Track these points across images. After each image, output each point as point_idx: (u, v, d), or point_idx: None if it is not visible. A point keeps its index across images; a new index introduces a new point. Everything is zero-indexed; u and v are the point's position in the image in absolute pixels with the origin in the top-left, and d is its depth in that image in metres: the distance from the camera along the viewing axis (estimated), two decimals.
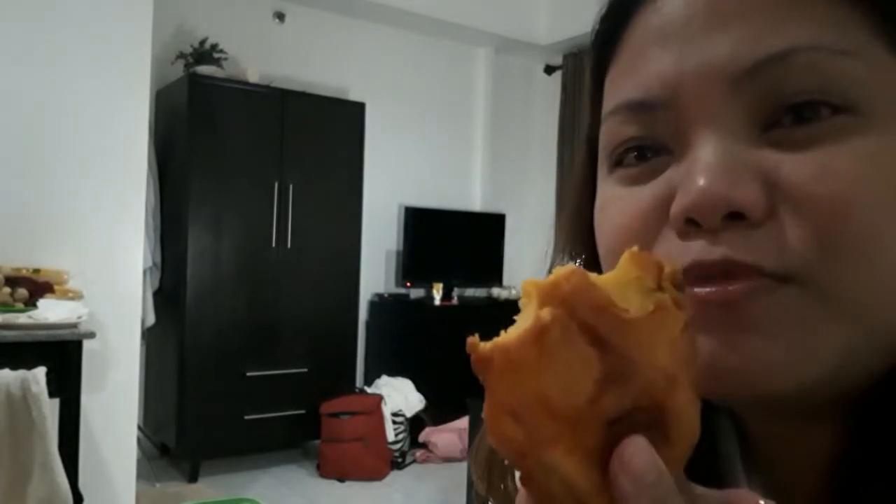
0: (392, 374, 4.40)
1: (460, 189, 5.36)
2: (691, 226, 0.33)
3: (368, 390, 4.26)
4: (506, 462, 0.45)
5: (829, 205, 0.32)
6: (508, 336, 0.25)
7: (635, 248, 0.29)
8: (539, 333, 0.25)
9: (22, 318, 2.44)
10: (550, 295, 0.25)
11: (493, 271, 5.25)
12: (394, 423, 4.11)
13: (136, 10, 2.99)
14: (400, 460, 4.14)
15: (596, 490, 0.25)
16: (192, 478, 3.80)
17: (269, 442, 4.08)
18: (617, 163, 0.39)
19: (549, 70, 5.62)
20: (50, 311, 2.50)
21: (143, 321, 3.40)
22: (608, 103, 0.40)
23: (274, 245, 4.02)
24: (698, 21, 0.35)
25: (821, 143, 0.32)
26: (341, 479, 3.93)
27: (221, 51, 3.99)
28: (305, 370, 4.13)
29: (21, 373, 2.19)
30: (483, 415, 0.26)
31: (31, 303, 2.57)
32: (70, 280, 2.77)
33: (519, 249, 5.36)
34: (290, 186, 4.05)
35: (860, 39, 0.33)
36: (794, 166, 0.32)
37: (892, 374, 0.33)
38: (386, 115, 4.85)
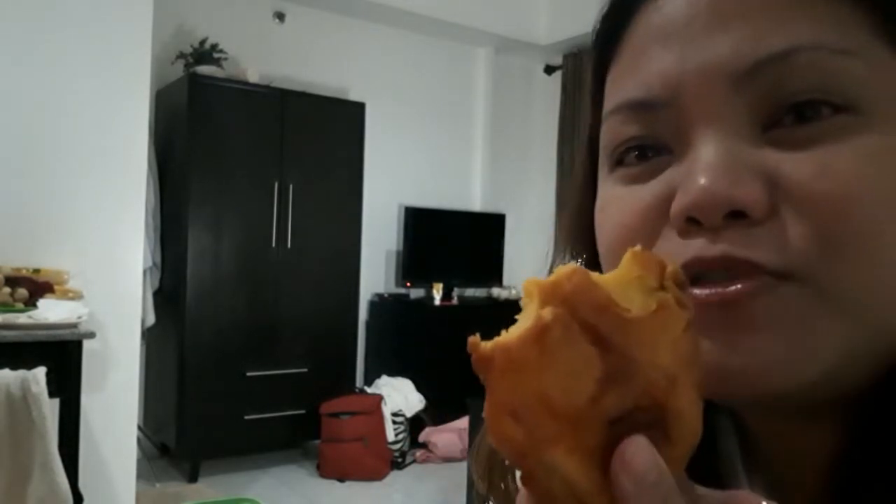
0: (392, 374, 4.40)
1: (460, 189, 5.36)
2: (692, 224, 0.33)
3: (368, 390, 4.26)
4: (506, 462, 0.45)
5: (831, 203, 0.32)
6: (509, 335, 0.25)
7: (638, 247, 0.29)
8: (540, 333, 0.25)
9: (22, 318, 2.44)
10: (552, 294, 0.25)
11: (493, 271, 5.25)
12: (394, 423, 4.11)
13: (136, 10, 2.99)
14: (400, 460, 4.14)
15: (597, 490, 0.25)
16: (192, 478, 3.80)
17: (269, 442, 4.08)
18: (618, 162, 0.39)
19: (549, 70, 5.62)
20: (50, 311, 2.50)
21: (143, 321, 3.40)
22: (609, 102, 0.40)
23: (274, 245, 4.02)
24: (700, 20, 0.35)
25: (822, 142, 0.32)
26: (341, 479, 3.93)
27: (221, 51, 3.99)
28: (305, 370, 4.13)
29: (21, 373, 2.19)
30: (484, 414, 0.26)
31: (31, 303, 2.57)
32: (70, 280, 2.77)
33: (519, 249, 5.36)
34: (290, 186, 4.05)
35: (861, 39, 0.33)
36: (795, 165, 0.32)
37: (891, 373, 0.33)
38: (386, 115, 4.85)
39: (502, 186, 5.51)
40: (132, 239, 3.02)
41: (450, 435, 4.22)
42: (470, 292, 5.26)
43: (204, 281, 3.80)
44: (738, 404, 0.39)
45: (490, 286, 5.27)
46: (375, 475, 3.96)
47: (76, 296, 2.70)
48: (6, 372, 2.20)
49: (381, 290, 4.92)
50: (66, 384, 2.45)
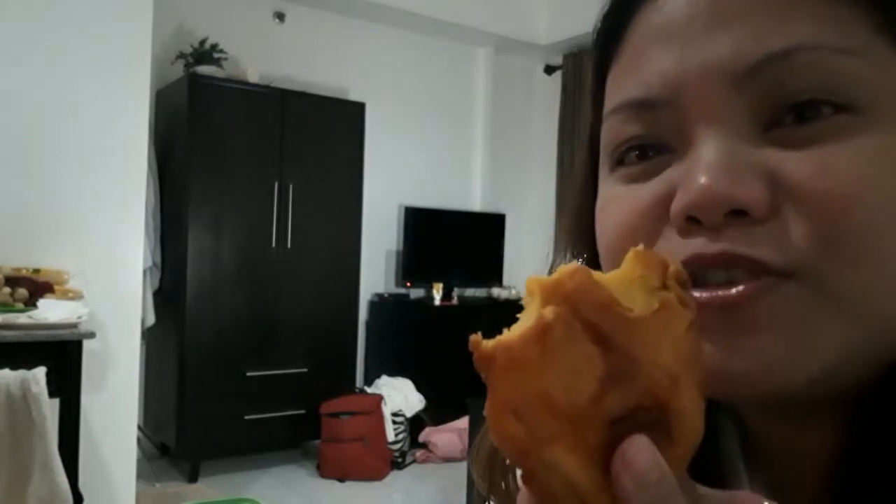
0: (392, 374, 4.40)
1: (460, 189, 5.37)
2: (692, 223, 0.33)
3: (368, 390, 4.26)
4: (507, 461, 0.45)
5: (832, 202, 0.32)
6: (511, 334, 0.25)
7: (640, 247, 0.29)
8: (542, 332, 0.25)
9: (22, 318, 2.44)
10: (553, 293, 0.25)
11: (493, 271, 5.25)
12: (394, 423, 4.11)
13: (136, 10, 2.99)
14: (400, 460, 4.14)
15: (598, 489, 0.25)
16: (192, 478, 3.80)
17: (269, 442, 4.08)
18: (618, 161, 0.39)
19: (549, 70, 5.62)
20: (50, 311, 2.50)
21: (143, 321, 3.40)
22: (610, 102, 0.40)
23: (274, 245, 4.02)
24: (700, 20, 0.35)
25: (822, 141, 0.32)
26: (341, 479, 3.93)
27: (221, 51, 3.99)
28: (305, 370, 4.13)
29: (21, 373, 2.19)
30: (485, 412, 0.26)
31: (31, 303, 2.57)
32: (70, 280, 2.77)
33: (519, 249, 5.36)
34: (290, 186, 4.05)
35: (862, 38, 0.33)
36: (795, 164, 0.32)
37: (892, 372, 0.33)
38: (386, 115, 4.85)
39: (502, 186, 5.51)
40: (132, 239, 3.02)
41: (450, 435, 4.22)
42: (470, 292, 5.26)
43: (204, 281, 3.80)
44: (738, 403, 0.39)
45: (490, 286, 5.27)
46: (375, 475, 3.96)
47: (76, 296, 2.70)
48: (6, 372, 2.20)
49: (381, 290, 4.92)
50: (66, 384, 2.45)
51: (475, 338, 0.26)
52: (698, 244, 0.33)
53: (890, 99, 0.33)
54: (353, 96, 4.54)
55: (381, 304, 4.82)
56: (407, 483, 3.97)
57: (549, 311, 0.25)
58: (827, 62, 0.32)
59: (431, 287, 4.80)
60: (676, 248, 0.34)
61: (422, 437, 4.28)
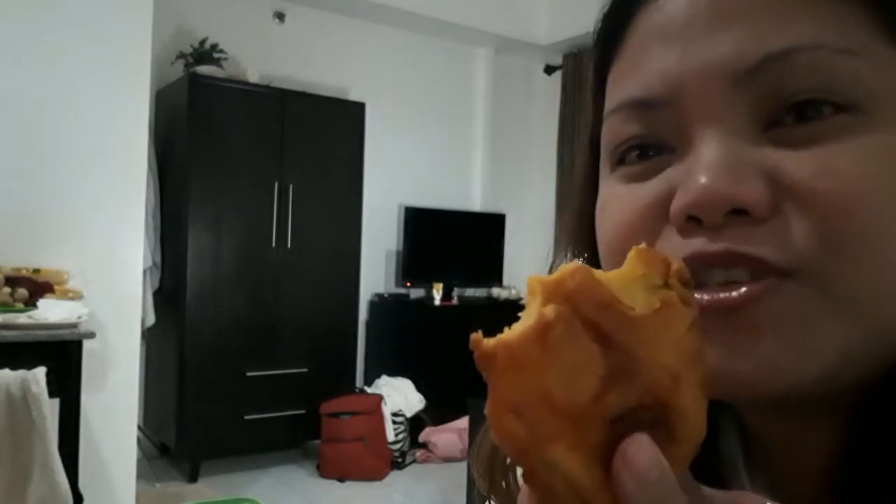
0: (392, 374, 4.40)
1: (460, 189, 5.37)
2: (692, 223, 0.33)
3: (368, 390, 4.26)
4: (508, 460, 0.45)
5: (833, 201, 0.32)
6: (512, 333, 0.25)
7: (643, 245, 0.29)
8: (542, 330, 0.25)
9: (22, 318, 2.44)
10: (555, 292, 0.25)
11: (493, 271, 5.25)
12: (394, 423, 4.11)
13: (136, 10, 2.99)
14: (400, 460, 4.14)
15: (598, 487, 0.25)
16: (192, 478, 3.80)
17: (269, 442, 4.08)
18: (619, 161, 0.39)
19: (549, 70, 5.62)
20: (50, 311, 2.50)
21: (143, 321, 3.40)
22: (610, 101, 0.40)
23: (274, 245, 4.02)
24: (701, 20, 0.35)
25: (823, 141, 0.32)
26: (341, 479, 3.93)
27: (221, 51, 3.99)
28: (305, 370, 4.13)
29: (21, 373, 2.19)
30: (486, 411, 0.26)
31: (31, 303, 2.57)
32: (70, 280, 2.77)
33: (519, 249, 5.36)
34: (290, 186, 4.05)
35: (862, 38, 0.33)
36: (796, 164, 0.32)
37: (892, 373, 0.33)
38: (386, 115, 4.85)
39: (502, 186, 5.51)
40: (132, 239, 3.02)
41: (450, 435, 4.22)
42: (470, 292, 5.26)
43: (204, 281, 3.80)
44: (738, 403, 0.39)
45: (490, 286, 5.27)
46: (375, 475, 3.96)
47: (76, 296, 2.70)
48: (6, 372, 2.20)
49: (381, 290, 4.92)
50: (66, 384, 2.45)
51: (476, 336, 0.26)
52: (699, 243, 0.33)
53: (890, 99, 0.33)
54: (353, 96, 4.54)
55: (381, 304, 4.82)
56: (407, 483, 3.97)
57: (549, 310, 0.25)
58: (827, 62, 0.32)
59: (431, 287, 4.80)
60: (677, 247, 0.34)
61: (422, 437, 4.28)
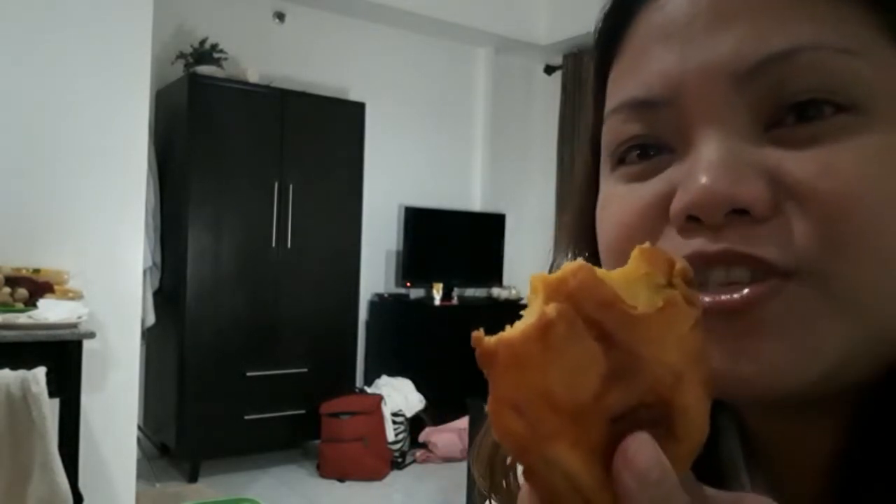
0: (392, 374, 4.40)
1: (460, 189, 5.36)
2: (692, 223, 0.33)
3: (368, 390, 4.26)
4: (508, 460, 0.45)
5: (834, 201, 0.32)
6: (513, 330, 0.25)
7: (646, 244, 0.29)
8: (544, 328, 0.25)
9: (22, 318, 2.44)
10: (557, 290, 0.25)
11: (493, 271, 5.25)
12: (394, 423, 4.11)
13: (136, 10, 2.99)
14: (400, 460, 4.14)
15: (599, 486, 0.25)
16: (192, 478, 3.80)
17: (269, 442, 4.08)
18: (619, 161, 0.39)
19: (549, 70, 5.62)
20: (50, 311, 2.50)
21: (143, 321, 3.40)
22: (611, 101, 0.40)
23: (274, 245, 4.02)
24: (701, 20, 0.35)
25: (824, 141, 0.32)
26: (341, 479, 3.92)
27: (221, 51, 3.99)
28: (305, 370, 4.13)
29: (21, 373, 2.19)
30: (487, 408, 0.26)
31: (31, 303, 2.57)
32: (70, 280, 2.77)
33: (519, 249, 5.36)
34: (290, 186, 4.05)
35: (863, 37, 0.33)
36: (797, 164, 0.32)
37: (891, 373, 0.33)
38: (386, 115, 4.85)
39: (502, 186, 5.51)
40: (132, 239, 3.02)
41: (450, 435, 4.22)
42: (470, 292, 5.26)
43: (204, 281, 3.80)
44: (738, 403, 0.39)
45: (490, 286, 5.27)
46: (375, 475, 3.96)
47: (76, 296, 2.70)
48: (6, 372, 2.20)
49: (381, 290, 4.92)
50: (66, 384, 2.45)
51: (477, 334, 0.26)
52: (699, 243, 0.33)
53: (891, 99, 0.33)
54: (353, 96, 4.54)
55: (381, 304, 4.82)
56: (407, 483, 3.97)
57: (551, 308, 0.25)
58: (828, 62, 0.32)
59: (431, 287, 4.79)
60: (677, 247, 0.34)
61: (422, 437, 4.28)
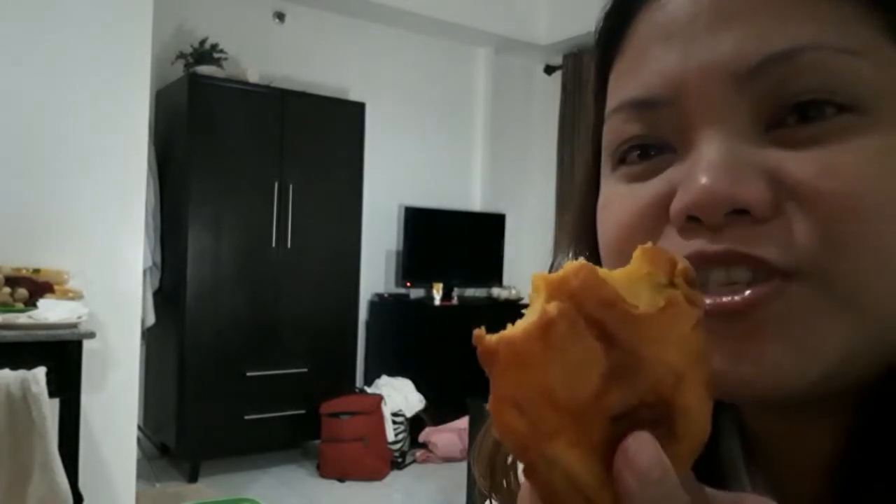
0: (392, 374, 4.40)
1: (460, 189, 5.36)
2: (693, 223, 0.33)
3: (368, 390, 4.26)
4: (509, 460, 0.45)
5: (835, 201, 0.32)
6: (515, 329, 0.25)
7: (648, 244, 0.29)
8: (545, 327, 0.25)
9: (22, 318, 2.44)
10: (558, 289, 0.25)
11: (493, 271, 5.25)
12: (394, 423, 4.10)
13: (136, 10, 2.99)
14: (400, 460, 4.14)
15: (599, 484, 0.25)
16: (192, 478, 3.80)
17: (269, 442, 4.08)
18: (620, 161, 0.39)
19: (549, 70, 5.62)
20: (50, 311, 2.50)
21: (143, 321, 3.40)
22: (611, 101, 0.40)
23: (274, 245, 4.02)
24: (702, 19, 0.35)
25: (825, 142, 0.32)
26: (341, 479, 3.92)
27: (221, 51, 3.99)
28: (305, 370, 4.13)
29: (21, 373, 2.19)
30: (488, 406, 0.26)
31: (31, 303, 2.57)
32: (70, 280, 2.77)
33: (519, 249, 5.36)
34: (290, 186, 4.05)
35: (864, 38, 0.33)
36: (798, 164, 0.32)
37: (892, 373, 0.33)
38: (386, 115, 4.85)
39: (502, 186, 5.51)
40: (132, 239, 3.02)
41: (450, 435, 4.22)
42: (470, 292, 5.26)
43: (204, 281, 3.80)
44: (738, 404, 0.39)
45: (490, 286, 5.27)
46: (375, 475, 3.96)
47: (76, 296, 2.70)
48: (6, 372, 2.20)
49: (381, 290, 4.92)
50: (66, 384, 2.45)
51: (479, 332, 0.26)
52: (699, 243, 0.33)
53: (892, 99, 0.33)
54: (353, 96, 4.54)
55: (381, 304, 4.82)
56: (407, 483, 3.97)
57: (552, 307, 0.25)
58: (829, 62, 0.32)
59: (431, 287, 4.79)
60: (677, 247, 0.34)
61: (422, 437, 4.28)
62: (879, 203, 0.32)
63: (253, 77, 4.03)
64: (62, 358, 2.45)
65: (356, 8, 4.66)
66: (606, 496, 0.25)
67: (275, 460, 4.15)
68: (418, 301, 4.87)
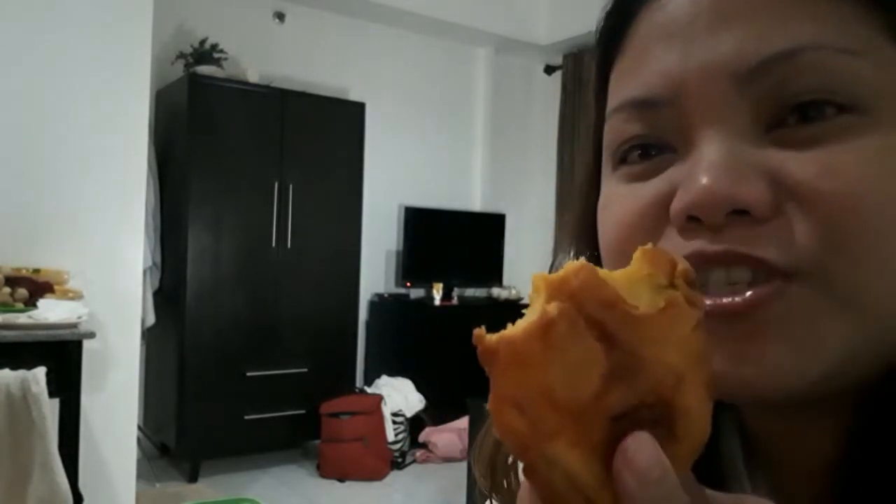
0: (392, 374, 4.40)
1: (460, 189, 5.36)
2: (693, 223, 0.33)
3: (368, 390, 4.26)
4: (509, 460, 0.45)
5: (836, 202, 0.32)
6: (515, 329, 0.25)
7: (649, 245, 0.29)
8: (545, 327, 0.25)
9: (22, 318, 2.43)
10: (559, 289, 0.25)
11: (493, 271, 5.25)
12: (394, 423, 4.10)
13: (136, 10, 2.99)
14: (400, 460, 4.14)
15: (599, 484, 0.25)
16: (192, 478, 3.80)
17: (269, 442, 4.08)
18: (621, 160, 0.39)
19: (549, 70, 5.62)
20: (50, 311, 2.50)
21: (143, 321, 3.40)
22: (612, 101, 0.39)
23: (274, 245, 4.02)
24: (703, 19, 0.35)
25: (826, 142, 0.32)
26: (341, 479, 3.92)
27: (221, 51, 3.99)
28: (305, 370, 4.13)
29: (21, 373, 2.19)
30: (488, 406, 0.26)
31: (31, 303, 2.57)
32: (70, 280, 2.77)
33: (519, 249, 5.36)
34: (290, 186, 4.05)
35: (864, 38, 0.33)
36: (799, 164, 0.32)
37: (891, 373, 0.33)
38: (386, 115, 4.85)
39: (502, 186, 5.51)
40: (132, 239, 3.02)
41: (450, 435, 4.22)
42: (470, 292, 5.26)
43: (204, 281, 3.80)
44: (738, 404, 0.39)
45: (490, 286, 5.27)
46: (375, 475, 3.96)
47: (76, 296, 2.70)
48: (6, 372, 2.20)
49: (381, 290, 4.92)
50: (66, 384, 2.45)
51: (479, 332, 0.26)
52: (699, 244, 0.33)
53: (892, 99, 0.33)
54: (353, 96, 4.54)
55: (381, 304, 4.82)
56: (407, 483, 3.97)
57: (552, 307, 0.25)
58: (830, 62, 0.32)
59: (431, 287, 4.79)
60: (677, 247, 0.34)
61: (422, 437, 4.28)
62: (879, 203, 0.32)
63: (253, 77, 4.03)
64: (62, 358, 2.45)
65: (356, 8, 4.66)
66: (606, 496, 0.25)
67: (275, 460, 4.15)
68: (418, 301, 4.87)
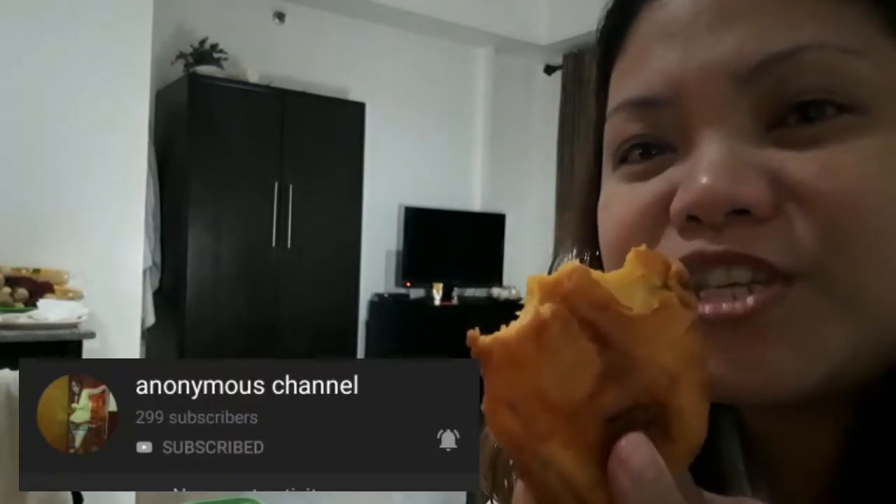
0: None
1: (460, 189, 5.37)
2: (693, 223, 0.33)
3: None
4: (510, 461, 0.45)
5: (836, 202, 0.31)
6: (509, 330, 0.25)
7: (642, 246, 0.29)
8: (539, 328, 0.25)
9: (22, 318, 2.44)
10: (552, 291, 0.25)
11: (493, 271, 5.25)
12: None
13: (136, 10, 2.99)
14: None
15: (593, 485, 0.25)
16: None
17: None
18: (621, 160, 0.39)
19: (549, 70, 5.62)
20: (50, 311, 2.50)
21: (143, 321, 3.40)
22: (613, 100, 0.39)
23: (274, 245, 4.02)
24: (704, 19, 0.35)
25: (826, 142, 0.32)
26: None
27: (221, 51, 3.99)
28: None
29: None
30: (482, 407, 0.26)
31: (31, 303, 2.57)
32: (70, 280, 2.77)
33: (519, 249, 5.36)
34: (290, 186, 4.05)
35: (865, 38, 0.33)
36: (799, 164, 0.32)
37: (891, 373, 0.33)
38: (386, 115, 4.85)
39: (502, 186, 5.51)
40: (132, 239, 3.02)
41: None
42: (470, 292, 5.26)
43: (204, 281, 3.80)
44: (738, 405, 0.39)
45: (490, 286, 5.27)
46: None
47: (76, 296, 2.70)
48: (6, 372, 2.19)
49: (381, 290, 4.92)
50: None
51: (473, 333, 0.26)
52: (699, 243, 0.33)
53: (892, 99, 0.33)
54: (353, 96, 4.55)
55: (381, 304, 4.82)
56: None
57: (546, 309, 0.25)
58: (831, 62, 0.32)
59: (431, 287, 4.80)
60: (677, 247, 0.34)
61: None
62: (879, 203, 0.32)
63: (253, 77, 4.04)
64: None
65: (356, 8, 4.66)
66: (600, 496, 0.25)
67: None
68: (418, 301, 4.87)
